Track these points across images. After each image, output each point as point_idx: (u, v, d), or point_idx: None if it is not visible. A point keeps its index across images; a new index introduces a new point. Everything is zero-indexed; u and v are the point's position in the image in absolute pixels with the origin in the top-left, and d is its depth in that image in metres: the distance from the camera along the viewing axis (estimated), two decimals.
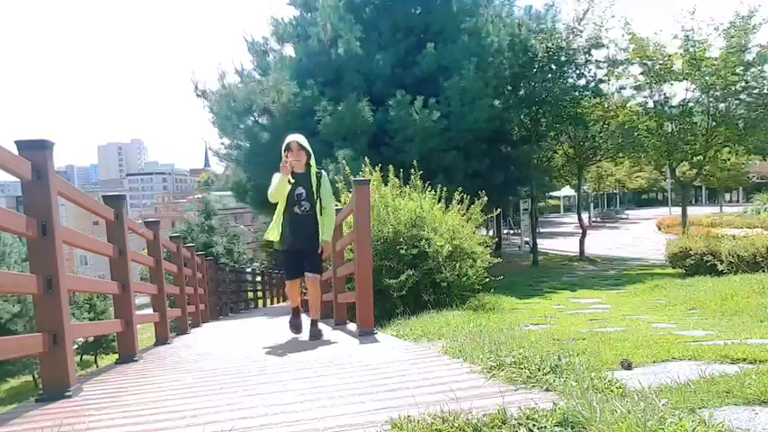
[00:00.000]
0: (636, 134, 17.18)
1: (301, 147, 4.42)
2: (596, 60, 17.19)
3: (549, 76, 16.86)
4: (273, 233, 4.62)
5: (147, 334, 9.97)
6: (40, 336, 2.70)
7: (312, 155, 4.50)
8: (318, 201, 4.53)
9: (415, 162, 7.95)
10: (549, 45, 16.44)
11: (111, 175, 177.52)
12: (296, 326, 4.86)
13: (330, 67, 14.67)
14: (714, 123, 15.99)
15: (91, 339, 15.54)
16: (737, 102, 15.83)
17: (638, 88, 16.91)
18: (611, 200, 53.81)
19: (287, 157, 4.38)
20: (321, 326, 4.72)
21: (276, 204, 4.63)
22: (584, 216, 23.67)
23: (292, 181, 4.40)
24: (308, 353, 3.69)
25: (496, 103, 15.81)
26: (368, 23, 14.89)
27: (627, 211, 42.82)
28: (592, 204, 40.40)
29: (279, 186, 4.40)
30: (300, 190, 4.49)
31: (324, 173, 4.60)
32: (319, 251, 4.60)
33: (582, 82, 17.58)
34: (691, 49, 15.50)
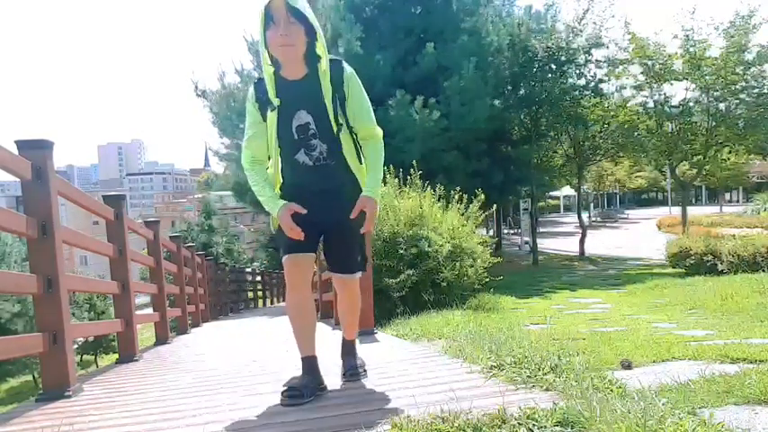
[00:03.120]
0: (636, 134, 17.22)
1: (294, 12, 2.01)
2: (596, 60, 17.22)
3: (549, 75, 16.88)
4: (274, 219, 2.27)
5: (147, 334, 9.98)
6: (40, 336, 2.70)
7: (319, 31, 2.09)
8: (345, 126, 2.19)
9: (414, 162, 7.95)
10: (549, 45, 16.46)
11: (111, 175, 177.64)
12: (304, 389, 2.12)
13: None
14: (714, 123, 16.02)
15: (91, 339, 15.53)
16: (737, 101, 15.86)
17: (638, 88, 16.93)
18: (611, 199, 53.83)
19: (271, 31, 2.04)
20: (359, 354, 2.63)
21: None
22: (584, 216, 23.68)
23: (276, 103, 2.13)
24: None
25: (496, 102, 15.83)
26: (368, 23, 14.89)
27: (627, 211, 42.84)
28: (592, 204, 40.42)
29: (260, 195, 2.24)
30: (304, 117, 2.15)
31: (347, 66, 2.21)
32: (360, 230, 2.25)
33: (582, 82, 17.61)
34: (691, 49, 15.52)
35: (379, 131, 2.28)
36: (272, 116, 2.16)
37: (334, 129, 2.17)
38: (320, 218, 2.23)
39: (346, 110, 2.19)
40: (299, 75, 2.14)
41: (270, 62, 2.12)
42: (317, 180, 2.22)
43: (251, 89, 2.23)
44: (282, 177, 2.28)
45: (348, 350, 2.58)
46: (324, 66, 2.12)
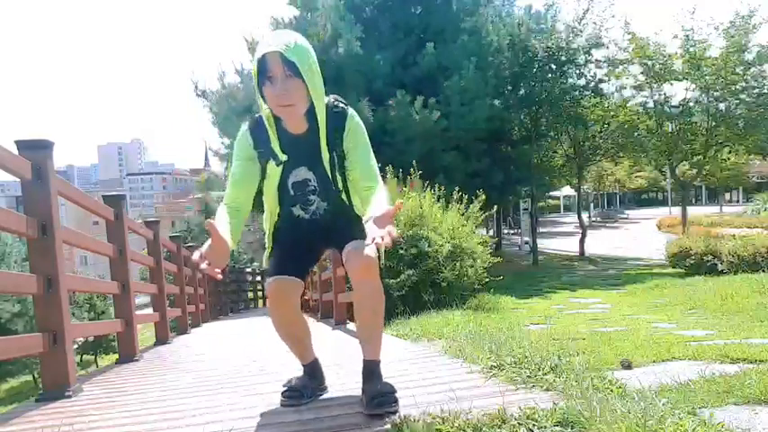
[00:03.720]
0: (636, 134, 17.22)
1: (291, 66, 1.78)
2: (596, 60, 17.22)
3: (549, 75, 16.88)
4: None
5: (147, 334, 9.97)
6: (40, 336, 2.70)
7: (317, 75, 1.86)
8: (344, 183, 2.02)
9: (414, 162, 7.95)
10: (549, 45, 16.46)
11: (111, 175, 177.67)
12: (304, 390, 2.12)
13: (330, 67, 14.65)
14: (714, 123, 16.03)
15: (91, 339, 15.54)
16: (737, 101, 15.86)
17: (638, 88, 16.94)
18: (612, 200, 53.83)
19: (267, 88, 1.82)
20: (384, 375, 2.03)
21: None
22: (584, 216, 23.68)
23: (284, 159, 1.96)
24: None
25: (496, 102, 15.82)
26: (368, 23, 14.91)
27: (627, 211, 42.83)
28: (592, 204, 40.42)
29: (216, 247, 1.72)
30: (303, 174, 2.01)
31: (352, 115, 1.99)
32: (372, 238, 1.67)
33: (582, 82, 17.62)
34: (691, 49, 15.52)
35: (383, 185, 1.99)
36: (276, 171, 1.99)
37: (337, 183, 2.01)
38: (318, 242, 2.16)
39: (346, 167, 1.98)
40: (300, 129, 1.95)
41: (269, 112, 1.92)
42: (315, 227, 2.10)
43: (246, 132, 2.00)
44: (278, 217, 2.14)
45: (370, 374, 1.96)
46: (320, 114, 1.90)
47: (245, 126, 2.02)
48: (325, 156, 1.96)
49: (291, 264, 2.05)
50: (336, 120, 1.94)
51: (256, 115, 2.00)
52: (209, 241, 1.69)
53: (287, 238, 2.13)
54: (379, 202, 1.84)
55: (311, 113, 1.91)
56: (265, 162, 1.99)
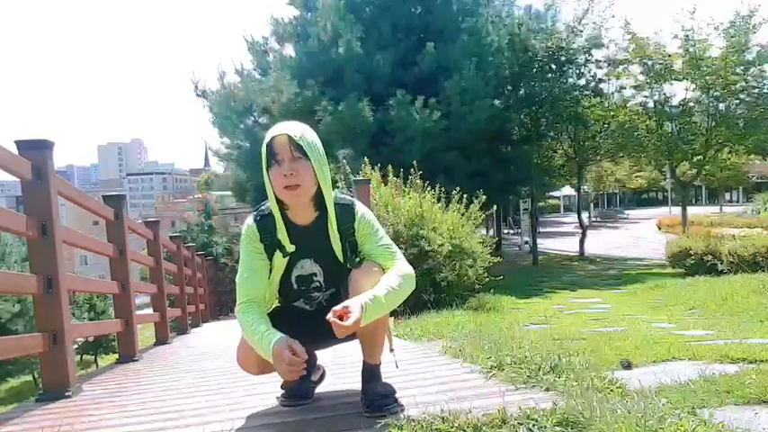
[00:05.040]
0: (636, 134, 17.21)
1: (299, 148, 1.77)
2: (596, 60, 17.23)
3: (549, 75, 16.90)
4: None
5: (147, 334, 9.97)
6: (40, 336, 2.70)
7: (325, 164, 1.86)
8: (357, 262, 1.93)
9: (415, 162, 7.96)
10: (549, 45, 16.47)
11: (111, 175, 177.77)
12: (304, 390, 2.12)
13: (330, 67, 14.68)
14: (714, 123, 16.02)
15: (91, 339, 15.52)
16: (737, 102, 15.86)
17: (638, 88, 16.94)
18: (612, 199, 53.82)
19: (274, 170, 1.78)
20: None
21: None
22: (584, 216, 23.67)
23: (291, 249, 1.90)
24: None
25: (496, 102, 15.84)
26: (368, 23, 14.91)
27: (627, 211, 42.82)
28: (592, 204, 40.39)
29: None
30: (308, 267, 1.97)
31: (358, 208, 1.94)
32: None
33: (582, 82, 17.63)
34: (691, 49, 15.51)
35: (406, 267, 1.91)
36: (282, 262, 1.92)
37: (343, 275, 1.92)
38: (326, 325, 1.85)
39: (363, 249, 1.93)
40: (307, 220, 1.90)
41: (276, 203, 1.86)
42: (320, 318, 1.82)
43: (252, 226, 1.92)
44: (276, 304, 2.06)
45: (370, 376, 1.94)
46: (330, 207, 1.86)
47: (250, 220, 1.95)
48: (337, 245, 1.91)
49: (287, 328, 1.81)
50: (343, 213, 1.90)
51: (262, 206, 1.94)
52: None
53: (286, 318, 1.95)
54: (383, 280, 1.81)
55: (318, 202, 1.87)
56: (272, 254, 1.92)
